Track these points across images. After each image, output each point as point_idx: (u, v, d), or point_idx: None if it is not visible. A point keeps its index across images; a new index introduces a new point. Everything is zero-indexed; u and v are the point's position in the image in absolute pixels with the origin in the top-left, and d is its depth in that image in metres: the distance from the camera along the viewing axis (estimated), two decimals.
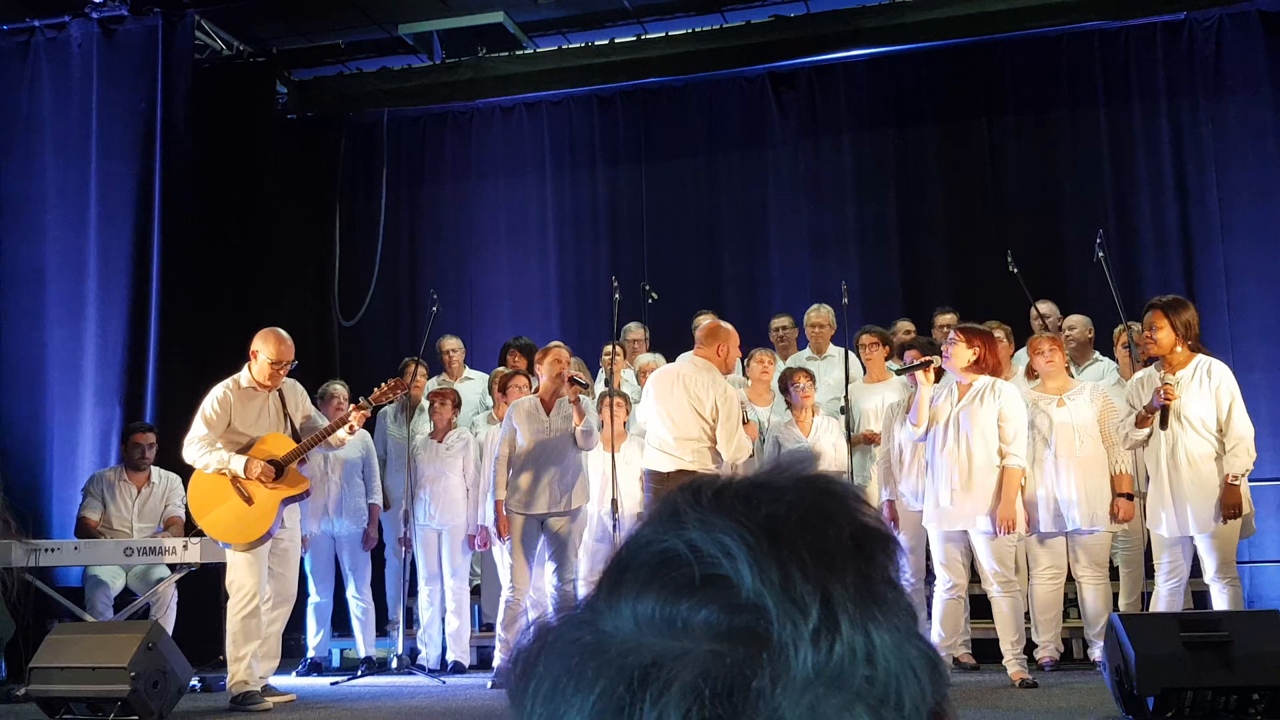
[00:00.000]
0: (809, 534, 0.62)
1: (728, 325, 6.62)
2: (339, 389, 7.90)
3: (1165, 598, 5.88)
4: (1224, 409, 5.71)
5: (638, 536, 0.65)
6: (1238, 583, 5.81)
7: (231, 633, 6.07)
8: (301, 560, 7.62)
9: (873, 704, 0.58)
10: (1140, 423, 5.83)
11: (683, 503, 0.64)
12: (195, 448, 6.19)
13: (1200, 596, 6.51)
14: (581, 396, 6.94)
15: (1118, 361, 7.47)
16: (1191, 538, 5.80)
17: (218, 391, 6.26)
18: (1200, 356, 5.83)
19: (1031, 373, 6.88)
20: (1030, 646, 6.52)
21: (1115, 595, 6.90)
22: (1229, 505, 5.65)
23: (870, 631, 0.59)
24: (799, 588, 0.59)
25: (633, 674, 0.58)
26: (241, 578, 6.11)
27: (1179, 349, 5.77)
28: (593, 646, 0.60)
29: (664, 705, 0.56)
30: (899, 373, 6.58)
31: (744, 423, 6.63)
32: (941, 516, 6.04)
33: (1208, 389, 5.73)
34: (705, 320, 6.71)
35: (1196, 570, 6.04)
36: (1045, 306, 8.09)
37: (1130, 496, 6.45)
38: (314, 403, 7.79)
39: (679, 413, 6.29)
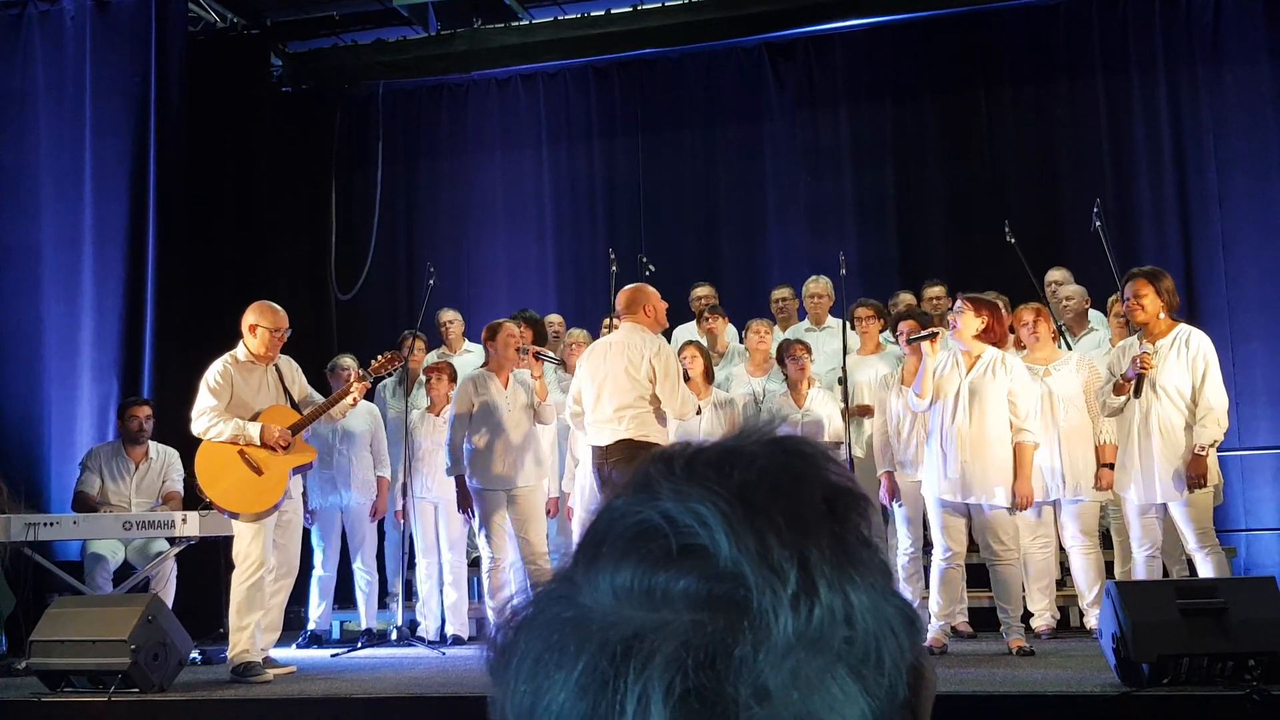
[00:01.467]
0: (782, 498, 0.62)
1: (647, 286, 6.50)
2: (349, 361, 7.92)
3: (1142, 565, 5.93)
4: (1198, 378, 5.73)
5: (612, 509, 0.65)
6: (1219, 550, 5.85)
7: (236, 603, 6.08)
8: (307, 532, 7.66)
9: (853, 664, 0.58)
10: (1118, 390, 5.88)
11: (655, 473, 0.64)
12: (206, 419, 6.15)
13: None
14: (547, 370, 7.00)
15: (1112, 331, 7.47)
16: (1165, 506, 5.84)
17: (218, 366, 6.23)
18: (1181, 326, 5.87)
19: (1019, 342, 6.89)
20: (1026, 615, 6.55)
21: (1109, 564, 6.93)
22: (1195, 475, 5.68)
23: (848, 593, 0.60)
24: (776, 554, 0.59)
25: (615, 647, 0.58)
26: (248, 548, 6.11)
27: (1161, 317, 5.80)
28: (573, 621, 0.60)
29: (647, 677, 0.57)
30: (910, 341, 6.56)
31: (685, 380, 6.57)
32: (949, 487, 6.02)
33: (1185, 358, 5.76)
34: (631, 288, 6.49)
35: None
36: (1059, 273, 8.09)
37: (1114, 466, 6.47)
38: (323, 375, 7.85)
39: (614, 381, 6.11)
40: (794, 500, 0.62)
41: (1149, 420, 5.78)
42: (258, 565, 6.11)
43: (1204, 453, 5.69)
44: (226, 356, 6.28)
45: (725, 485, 0.62)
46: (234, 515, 6.18)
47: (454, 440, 7.00)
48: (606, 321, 7.98)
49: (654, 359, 6.12)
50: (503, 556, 6.96)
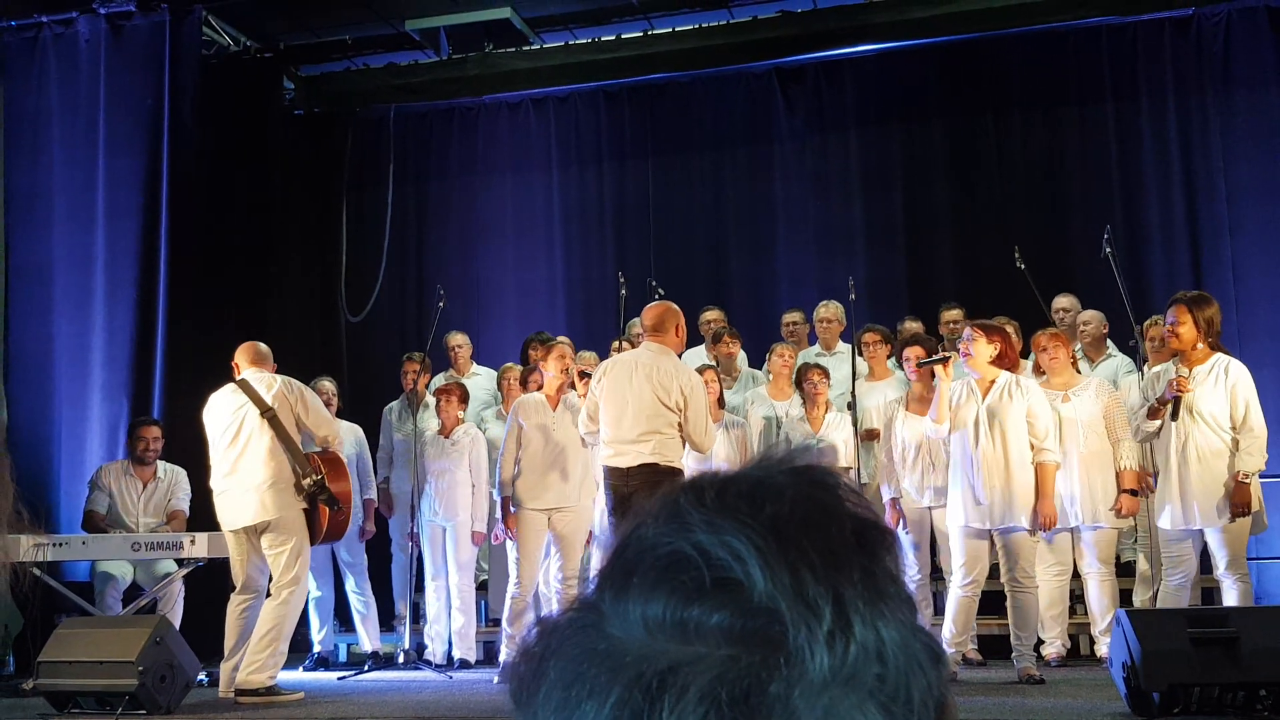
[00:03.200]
0: (814, 533, 0.62)
1: (676, 307, 6.39)
2: (328, 385, 7.90)
3: (1171, 593, 5.89)
4: (1240, 408, 5.72)
5: (641, 537, 0.64)
6: (1248, 579, 5.81)
7: (289, 631, 6.14)
8: None
9: (884, 701, 0.58)
10: (1152, 414, 5.86)
11: (686, 503, 0.64)
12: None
13: (1209, 593, 6.50)
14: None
15: (1147, 356, 7.41)
16: (1201, 533, 5.81)
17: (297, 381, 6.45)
18: (1220, 355, 5.84)
19: (1039, 368, 6.88)
20: (1038, 643, 6.52)
21: (1126, 592, 6.89)
22: (1238, 503, 5.66)
23: (879, 629, 0.59)
24: (811, 590, 0.59)
25: (650, 680, 0.58)
26: (299, 571, 6.20)
27: (1199, 345, 5.78)
28: (605, 653, 0.60)
29: (682, 709, 0.56)
30: (919, 366, 6.55)
31: None
32: (978, 515, 6.00)
33: (1224, 387, 5.74)
34: (658, 306, 6.41)
35: (1206, 567, 6.05)
36: (1066, 300, 8.08)
37: (1135, 493, 6.45)
38: None
39: (641, 403, 5.97)
40: (825, 534, 0.62)
41: (1187, 447, 5.77)
42: (305, 592, 6.23)
43: (1248, 480, 5.68)
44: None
45: (757, 518, 0.62)
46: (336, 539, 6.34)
47: (505, 464, 6.93)
48: (615, 343, 7.98)
49: (685, 387, 6.01)
50: (530, 583, 6.84)
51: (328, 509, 6.16)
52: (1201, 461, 5.73)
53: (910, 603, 0.64)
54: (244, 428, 6.23)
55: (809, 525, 0.62)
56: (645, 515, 0.66)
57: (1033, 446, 5.99)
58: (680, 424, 6.01)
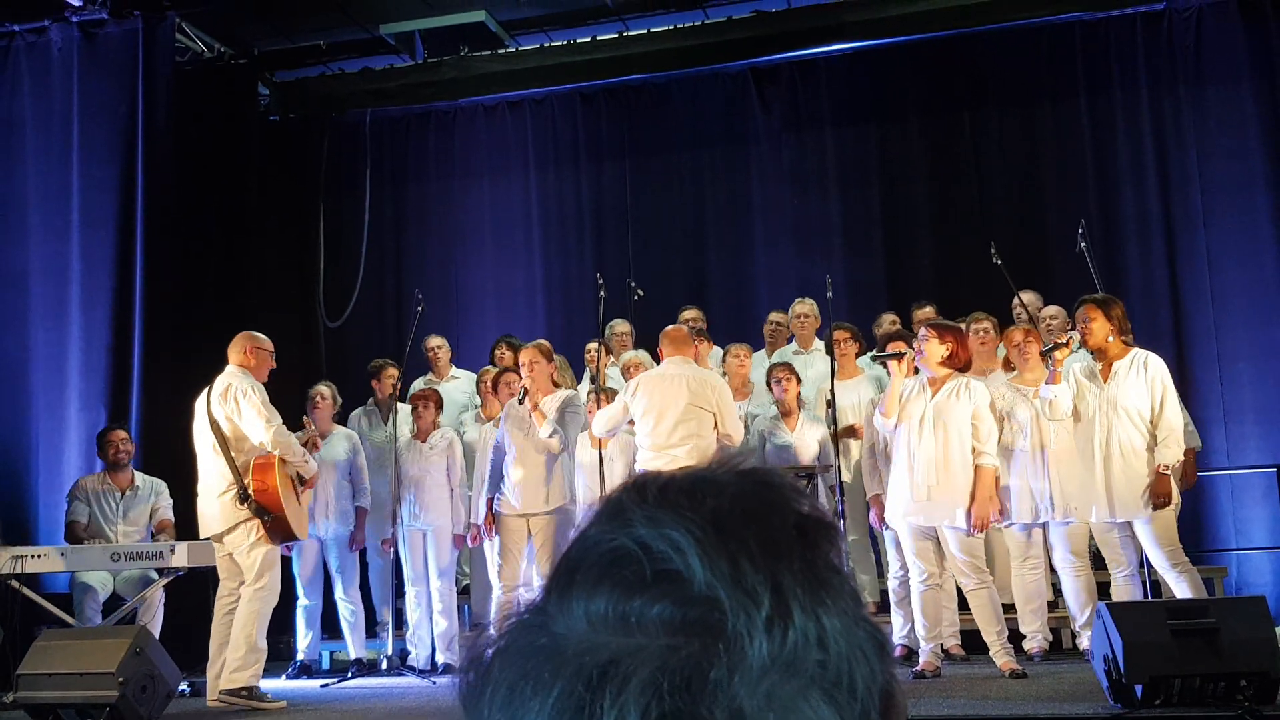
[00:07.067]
0: (754, 525, 0.62)
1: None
2: (323, 389, 7.89)
3: (1121, 586, 6.08)
4: (1157, 400, 5.87)
5: (585, 537, 0.65)
6: (1191, 568, 5.94)
7: (256, 627, 6.11)
8: (287, 561, 7.64)
9: (826, 688, 0.59)
10: (1052, 379, 6.02)
11: (628, 501, 0.65)
12: (282, 430, 6.27)
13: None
14: (544, 402, 6.98)
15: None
16: (1130, 525, 5.92)
17: (249, 383, 6.30)
18: (1137, 350, 6.05)
19: (1009, 364, 6.93)
20: (1019, 637, 6.54)
21: (1104, 585, 6.92)
22: (1158, 494, 5.81)
23: (820, 617, 0.60)
24: (750, 578, 0.60)
25: (591, 673, 0.58)
26: (272, 575, 6.19)
27: (1112, 339, 5.98)
28: (548, 649, 0.60)
29: (623, 701, 0.57)
30: (874, 359, 6.64)
31: None
32: (917, 511, 6.08)
33: (1143, 380, 5.92)
34: (677, 327, 6.93)
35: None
36: (1028, 296, 8.12)
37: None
38: (300, 405, 7.85)
39: (679, 410, 6.35)
40: (765, 526, 0.63)
41: (1110, 441, 5.93)
42: (275, 593, 6.21)
43: (1167, 472, 5.83)
44: (251, 377, 6.34)
45: (698, 511, 0.63)
46: (287, 539, 6.32)
47: (492, 470, 7.12)
48: (593, 345, 7.97)
49: (714, 387, 6.53)
50: (514, 585, 6.97)
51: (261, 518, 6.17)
52: (1123, 457, 5.89)
53: (854, 594, 0.64)
54: (201, 435, 6.35)
55: (749, 517, 0.63)
56: (592, 517, 0.66)
57: (974, 449, 6.08)
58: (715, 423, 6.45)
